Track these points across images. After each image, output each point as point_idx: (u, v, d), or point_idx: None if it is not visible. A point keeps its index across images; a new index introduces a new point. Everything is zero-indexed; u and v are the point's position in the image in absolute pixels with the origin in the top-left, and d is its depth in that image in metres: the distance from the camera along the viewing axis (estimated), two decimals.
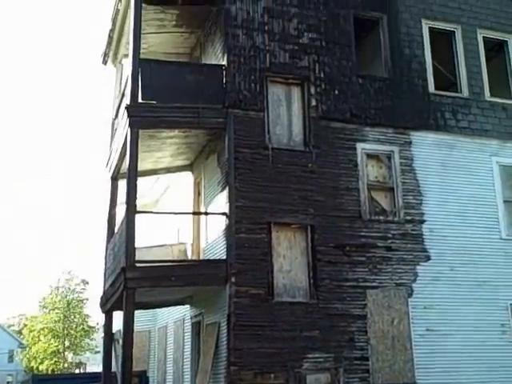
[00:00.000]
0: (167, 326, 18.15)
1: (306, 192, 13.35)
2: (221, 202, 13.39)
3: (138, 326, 13.70)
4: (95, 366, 47.66)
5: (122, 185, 14.33)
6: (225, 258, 12.72)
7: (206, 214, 14.66)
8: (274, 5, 14.40)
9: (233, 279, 12.35)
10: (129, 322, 12.07)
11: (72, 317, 44.14)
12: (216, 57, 14.58)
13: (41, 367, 43.88)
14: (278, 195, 13.10)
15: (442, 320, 13.64)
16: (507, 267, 14.56)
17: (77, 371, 49.61)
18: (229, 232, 12.72)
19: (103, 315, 15.63)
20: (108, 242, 15.46)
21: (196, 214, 15.64)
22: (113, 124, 16.56)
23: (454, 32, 16.06)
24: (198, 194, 15.81)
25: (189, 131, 14.12)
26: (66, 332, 43.70)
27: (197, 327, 14.98)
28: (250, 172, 13.08)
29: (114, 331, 15.31)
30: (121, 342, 12.70)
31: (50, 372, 42.28)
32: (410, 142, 14.63)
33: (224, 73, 13.66)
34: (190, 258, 15.62)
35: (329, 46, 14.60)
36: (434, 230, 14.17)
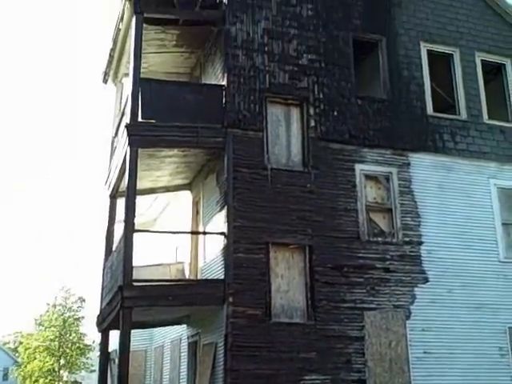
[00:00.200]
0: (164, 345, 18.05)
1: (304, 212, 13.35)
2: (219, 221, 13.39)
3: (134, 345, 13.61)
4: None
5: (121, 203, 14.33)
6: (223, 277, 12.69)
7: (205, 233, 14.64)
8: (273, 26, 14.52)
9: (230, 299, 12.31)
10: (125, 342, 12.01)
11: (68, 335, 43.84)
12: (216, 77, 14.66)
13: None
14: (277, 215, 13.10)
15: (440, 343, 13.58)
16: (505, 290, 14.54)
17: None
18: (227, 252, 12.70)
19: (99, 334, 15.55)
20: (106, 260, 15.42)
21: (194, 233, 15.62)
22: (112, 142, 16.61)
23: (453, 55, 16.18)
24: (196, 213, 15.81)
25: (188, 150, 14.16)
26: (61, 350, 43.36)
27: (193, 347, 14.89)
28: (248, 192, 13.10)
29: (110, 350, 15.22)
30: (117, 361, 12.64)
31: None
32: (409, 164, 14.67)
33: (224, 93, 13.73)
34: (187, 277, 15.58)
35: (328, 68, 14.69)
36: (432, 251, 14.17)
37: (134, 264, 12.39)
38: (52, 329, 43.66)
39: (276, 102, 14.14)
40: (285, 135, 14.06)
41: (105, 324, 14.57)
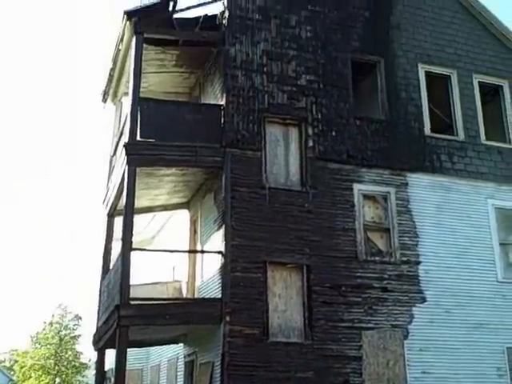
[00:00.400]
0: (160, 364, 17.95)
1: (302, 232, 13.37)
2: (217, 240, 13.40)
3: (130, 364, 13.55)
4: None
5: (119, 221, 14.34)
6: (220, 296, 12.67)
7: (202, 252, 14.64)
8: (272, 47, 14.65)
9: (227, 318, 12.28)
10: (121, 361, 11.96)
11: (64, 353, 43.59)
12: (215, 97, 14.76)
13: None
14: (275, 234, 13.11)
15: (438, 363, 13.53)
16: (503, 310, 14.51)
17: None
18: (224, 271, 12.70)
19: (95, 352, 15.48)
20: (103, 278, 15.40)
21: (192, 252, 15.62)
22: (111, 161, 16.66)
23: (450, 76, 16.31)
24: (194, 231, 15.83)
25: (186, 169, 14.21)
26: (57, 368, 43.09)
27: (190, 366, 14.82)
28: (246, 211, 13.13)
29: (106, 369, 15.15)
30: (113, 380, 12.56)
31: None
32: (407, 184, 14.72)
33: (222, 112, 13.82)
34: (184, 296, 15.55)
35: (326, 88, 14.80)
36: (430, 271, 14.17)
37: (131, 282, 12.38)
38: (48, 347, 43.43)
39: (274, 122, 14.22)
40: (283, 155, 14.12)
41: (101, 343, 14.51)
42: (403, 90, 15.63)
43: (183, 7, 14.42)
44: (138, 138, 13.32)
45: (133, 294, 12.39)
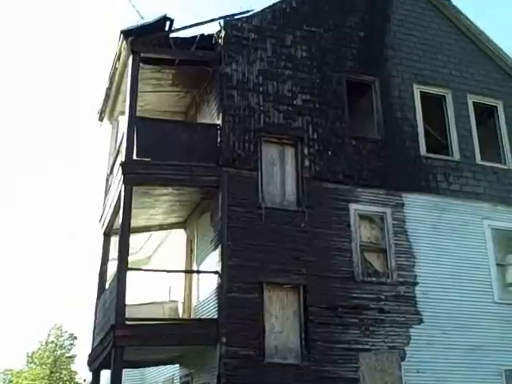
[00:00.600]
0: None
1: (298, 252, 13.32)
2: (213, 260, 13.35)
3: None
4: None
5: (115, 241, 14.28)
6: (216, 317, 12.59)
7: (198, 272, 14.58)
8: (268, 67, 14.71)
9: (223, 339, 12.18)
10: (116, 381, 11.85)
11: (59, 373, 43.17)
12: (211, 116, 14.79)
13: None
14: (271, 255, 13.06)
15: None
16: (500, 332, 14.42)
17: None
18: (220, 291, 12.63)
19: (90, 373, 15.33)
20: (98, 298, 15.29)
21: (188, 272, 15.55)
22: (107, 180, 16.63)
23: (445, 97, 16.39)
24: (190, 251, 15.77)
25: (182, 189, 14.19)
26: None
27: None
28: (242, 231, 13.09)
29: None
30: None
31: None
32: (403, 204, 14.71)
33: (219, 132, 13.83)
34: (180, 316, 15.44)
35: (322, 108, 14.84)
36: (427, 292, 14.11)
37: (126, 302, 12.29)
38: (43, 366, 43.03)
39: (271, 142, 14.24)
40: (279, 174, 14.12)
41: (96, 363, 14.38)
42: (398, 109, 15.69)
43: (180, 27, 14.46)
44: (135, 157, 13.30)
45: (128, 314, 12.29)
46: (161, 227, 16.76)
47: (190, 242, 15.89)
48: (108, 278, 15.12)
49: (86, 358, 15.75)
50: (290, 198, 13.96)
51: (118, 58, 14.91)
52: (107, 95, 16.59)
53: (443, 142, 16.28)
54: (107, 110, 17.21)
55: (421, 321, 13.85)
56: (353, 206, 14.22)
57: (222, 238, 12.97)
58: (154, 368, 17.38)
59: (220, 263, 12.81)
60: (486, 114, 16.95)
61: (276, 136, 14.28)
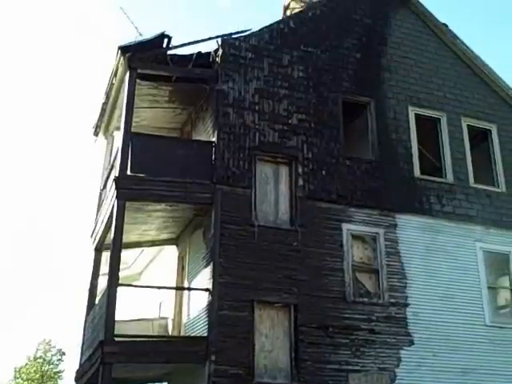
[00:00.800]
0: None
1: (290, 271, 13.29)
2: (204, 277, 13.29)
3: None
4: None
5: (106, 256, 14.22)
6: (206, 334, 12.52)
7: (189, 289, 14.51)
8: (265, 86, 14.77)
9: (213, 357, 12.10)
10: None
11: None
12: (206, 133, 14.82)
13: None
14: (263, 273, 13.02)
15: None
16: (491, 355, 14.37)
17: None
18: (211, 308, 12.57)
19: None
20: (88, 313, 15.19)
21: (179, 289, 15.47)
22: (100, 195, 16.60)
23: (440, 119, 16.48)
24: (182, 268, 15.70)
25: (176, 205, 14.16)
26: None
27: None
28: (235, 248, 13.06)
29: None
30: None
31: None
32: (396, 225, 14.72)
33: (213, 149, 13.85)
34: (170, 333, 15.35)
35: (317, 128, 14.90)
36: (418, 313, 14.08)
37: (116, 318, 12.22)
38: (30, 382, 42.60)
39: (265, 160, 14.27)
40: (273, 193, 14.13)
41: (84, 379, 14.23)
42: (393, 131, 15.77)
43: (177, 44, 14.53)
44: (129, 172, 13.30)
45: (118, 330, 12.22)
46: (153, 243, 16.70)
47: (181, 258, 15.83)
48: (98, 294, 15.03)
49: (73, 374, 15.60)
50: (284, 216, 13.96)
51: (115, 74, 14.95)
52: (103, 110, 16.62)
53: (437, 164, 16.34)
54: (103, 125, 17.24)
55: (412, 342, 13.80)
56: (346, 226, 14.22)
57: (214, 256, 12.93)
58: None
59: (211, 280, 12.76)
60: (479, 137, 17.04)
61: (270, 154, 14.31)
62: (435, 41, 17.34)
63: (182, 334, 14.64)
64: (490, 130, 17.09)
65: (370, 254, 14.40)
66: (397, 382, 13.32)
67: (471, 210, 15.75)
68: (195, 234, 14.78)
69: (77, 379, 15.09)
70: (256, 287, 12.89)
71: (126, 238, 13.74)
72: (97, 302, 14.53)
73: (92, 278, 15.41)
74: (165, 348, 12.69)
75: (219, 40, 14.73)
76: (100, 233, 15.21)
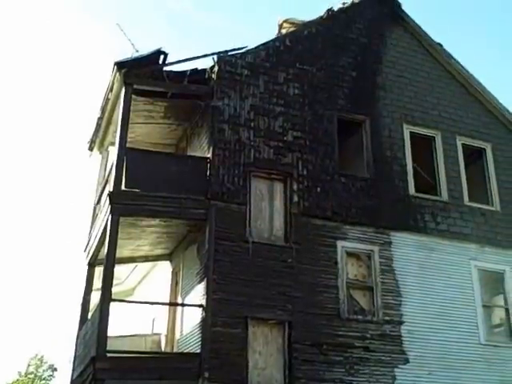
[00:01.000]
0: None
1: (284, 287, 13.23)
2: (198, 293, 13.22)
3: None
4: None
5: (99, 271, 14.14)
6: (199, 351, 12.42)
7: (183, 305, 14.42)
8: (260, 103, 14.83)
9: (206, 374, 11.99)
10: None
11: None
12: (201, 149, 14.82)
13: None
14: (257, 289, 12.97)
15: None
16: (486, 374, 14.28)
17: None
18: (204, 325, 12.49)
19: None
20: (80, 328, 15.07)
21: (172, 304, 15.38)
22: (94, 209, 16.55)
23: (434, 138, 16.55)
24: (175, 283, 15.62)
25: (170, 221, 14.13)
26: None
27: None
28: (229, 265, 13.01)
29: None
30: None
31: None
32: (390, 243, 14.71)
33: (208, 165, 13.85)
34: (163, 349, 15.23)
35: (312, 145, 14.93)
36: (413, 331, 14.01)
37: (108, 334, 12.11)
38: None
39: (260, 177, 14.27)
40: (268, 209, 14.11)
41: None
42: (388, 149, 15.81)
43: (174, 60, 14.58)
44: (123, 187, 13.27)
45: (110, 346, 12.11)
46: (146, 259, 16.63)
47: (175, 274, 15.76)
48: (91, 309, 14.93)
49: None
50: (278, 233, 13.93)
51: (111, 89, 14.97)
52: (98, 125, 16.62)
53: (432, 182, 16.37)
54: (97, 140, 17.22)
55: (406, 361, 13.72)
56: (340, 243, 14.20)
57: (208, 272, 12.87)
58: None
59: (205, 297, 12.69)
60: (474, 156, 17.10)
61: (265, 171, 14.32)
62: (430, 60, 17.47)
63: (175, 350, 14.53)
64: (484, 149, 17.15)
65: (365, 272, 14.36)
66: None
67: (466, 228, 15.76)
68: (189, 250, 14.72)
69: None
70: (250, 304, 12.82)
71: (120, 253, 13.70)
72: (89, 317, 14.42)
73: (85, 293, 15.31)
74: (157, 364, 12.58)
75: (215, 57, 14.80)
76: (93, 248, 15.14)
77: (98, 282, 14.25)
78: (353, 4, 17.09)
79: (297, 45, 15.89)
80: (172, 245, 15.70)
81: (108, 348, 12.03)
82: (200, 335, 12.61)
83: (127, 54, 14.71)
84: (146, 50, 14.47)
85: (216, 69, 14.69)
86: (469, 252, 15.45)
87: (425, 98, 16.85)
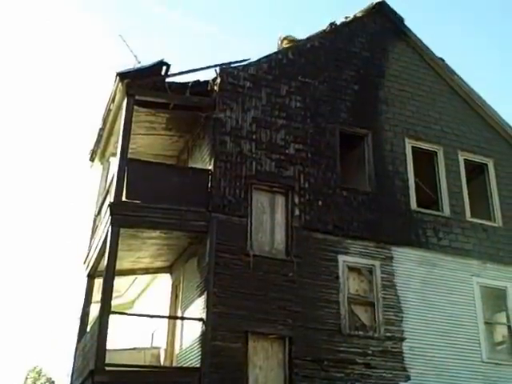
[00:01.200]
0: None
1: (285, 302, 13.12)
2: (198, 306, 13.10)
3: None
4: None
5: (99, 283, 14.02)
6: (199, 365, 12.28)
7: (182, 318, 14.28)
8: (262, 115, 14.78)
9: None
10: None
11: None
12: (203, 161, 14.75)
13: None
14: (257, 303, 12.85)
15: None
16: None
17: None
18: (204, 339, 12.35)
19: None
20: (78, 341, 14.92)
21: (172, 318, 15.23)
22: (94, 221, 16.45)
23: (437, 152, 16.50)
24: (175, 296, 15.49)
25: (170, 233, 14.02)
26: None
27: None
28: (229, 278, 12.89)
29: None
30: None
31: None
32: (392, 258, 14.61)
33: (210, 177, 13.78)
34: (162, 363, 15.06)
35: (314, 158, 14.87)
36: (415, 348, 13.88)
37: (107, 347, 11.98)
38: None
39: (261, 190, 14.19)
40: (269, 222, 14.02)
41: None
42: (390, 163, 15.76)
43: (176, 72, 14.55)
44: (124, 198, 13.18)
45: (109, 359, 11.96)
46: (146, 271, 16.50)
47: (175, 287, 15.63)
48: (90, 321, 14.79)
49: None
50: (279, 246, 13.83)
51: (113, 100, 14.92)
52: (100, 136, 16.56)
53: (434, 197, 16.30)
54: (99, 151, 17.15)
55: (408, 377, 13.58)
56: (342, 258, 14.10)
57: (209, 285, 12.76)
58: None
59: (205, 310, 12.57)
60: (476, 171, 17.06)
61: (267, 184, 14.24)
62: (432, 75, 17.46)
63: (174, 364, 14.38)
64: (486, 164, 17.11)
65: (366, 287, 14.25)
66: None
67: (468, 244, 15.67)
68: (189, 263, 14.61)
69: None
70: (250, 318, 12.70)
71: (120, 265, 13.58)
72: (88, 329, 14.27)
73: (84, 305, 15.17)
74: (156, 378, 12.47)
75: (218, 69, 14.77)
76: (93, 259, 15.02)
77: (97, 295, 14.12)
78: (355, 18, 17.12)
79: (299, 58, 15.88)
80: (172, 257, 15.58)
81: (107, 361, 11.88)
82: (200, 349, 12.48)
83: (129, 65, 14.66)
84: (148, 62, 14.43)
85: (218, 80, 14.66)
86: (471, 268, 15.36)
87: (427, 113, 16.83)
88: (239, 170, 14.03)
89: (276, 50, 16.62)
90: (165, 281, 16.35)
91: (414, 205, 15.53)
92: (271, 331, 12.85)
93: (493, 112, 17.58)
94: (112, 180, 14.02)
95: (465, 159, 16.77)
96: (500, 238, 16.17)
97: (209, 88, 14.75)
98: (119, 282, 15.62)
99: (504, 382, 14.47)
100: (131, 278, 17.40)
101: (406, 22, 17.48)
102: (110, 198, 13.50)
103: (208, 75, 14.96)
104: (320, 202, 14.49)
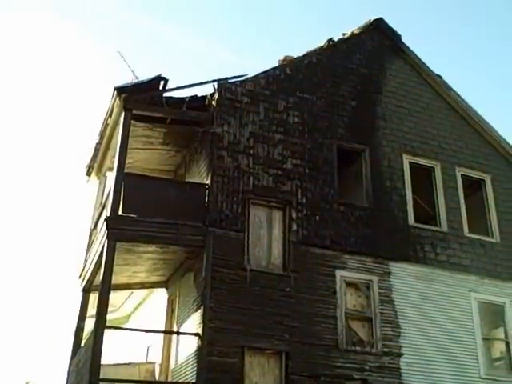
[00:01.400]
0: None
1: (282, 317, 13.03)
2: (194, 321, 13.01)
3: None
4: None
5: (94, 297, 13.93)
6: (194, 381, 12.17)
7: (178, 333, 14.17)
8: (260, 130, 14.79)
9: None
10: None
11: None
12: (200, 176, 14.74)
13: None
14: (254, 318, 12.76)
15: None
16: None
17: None
18: (200, 354, 12.25)
19: None
20: (73, 356, 14.80)
21: (167, 332, 15.11)
22: (90, 235, 16.39)
23: (434, 168, 16.52)
24: (171, 311, 15.39)
25: (167, 247, 13.96)
26: None
27: None
28: (226, 293, 12.81)
29: None
30: None
31: None
32: (390, 273, 14.55)
33: (207, 192, 13.75)
34: (157, 378, 14.94)
35: (312, 173, 14.87)
36: (412, 364, 13.77)
37: (102, 362, 11.86)
38: None
39: (259, 204, 14.16)
40: (266, 237, 13.97)
41: None
42: (388, 178, 15.75)
43: (174, 87, 14.58)
44: (121, 212, 13.14)
45: (103, 374, 11.85)
46: (142, 285, 16.41)
47: (171, 301, 15.53)
48: (84, 336, 14.67)
49: None
50: (276, 261, 13.77)
51: (110, 114, 14.94)
52: (96, 150, 16.56)
53: (431, 212, 16.29)
54: (95, 166, 17.14)
55: None
56: (339, 273, 14.04)
57: (205, 299, 12.67)
58: None
59: (201, 325, 12.48)
60: (474, 187, 17.05)
61: (264, 199, 14.21)
62: (429, 91, 17.53)
63: (169, 379, 14.23)
64: (483, 180, 17.12)
65: (364, 302, 14.17)
66: None
67: (465, 259, 15.62)
68: (186, 277, 14.53)
69: None
70: (247, 333, 12.60)
71: (116, 279, 13.52)
72: (83, 344, 14.16)
73: (79, 319, 15.06)
74: None
75: (215, 84, 14.80)
76: (89, 273, 14.94)
77: (92, 309, 14.02)
78: (353, 35, 17.21)
79: (297, 73, 15.93)
80: (168, 272, 15.50)
81: (101, 376, 11.76)
82: (195, 364, 12.37)
83: (127, 81, 14.69)
84: (145, 77, 14.46)
85: (216, 95, 14.69)
86: (468, 284, 15.30)
87: (424, 129, 16.87)
88: (236, 184, 14.01)
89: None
90: (161, 295, 16.26)
91: (411, 220, 15.50)
92: (268, 346, 12.75)
93: (490, 128, 17.63)
94: (109, 194, 13.99)
95: (462, 175, 16.78)
96: (498, 253, 16.13)
97: (206, 103, 14.78)
98: (115, 297, 15.52)
99: None
100: (127, 292, 17.31)
101: (404, 39, 17.61)
102: (107, 212, 13.46)
103: (205, 90, 15.03)
104: (317, 217, 14.45)
